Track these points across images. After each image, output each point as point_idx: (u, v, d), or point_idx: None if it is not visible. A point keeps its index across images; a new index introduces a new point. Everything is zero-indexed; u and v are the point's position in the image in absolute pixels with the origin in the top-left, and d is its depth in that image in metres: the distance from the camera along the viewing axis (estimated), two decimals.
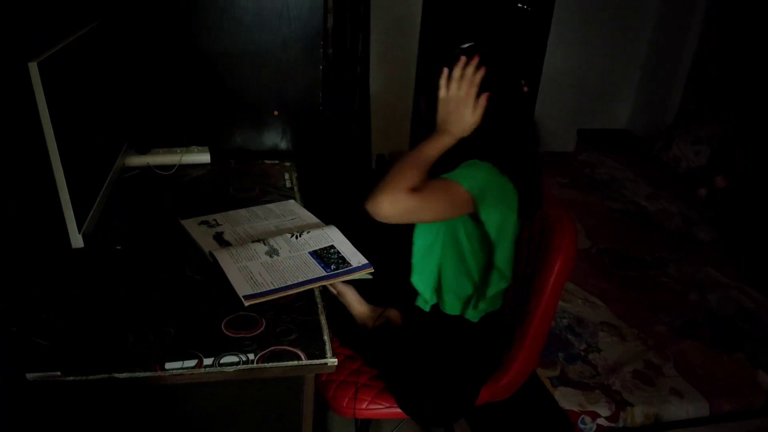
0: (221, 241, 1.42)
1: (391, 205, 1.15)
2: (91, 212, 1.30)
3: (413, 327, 1.51)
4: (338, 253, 1.39)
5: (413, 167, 1.21)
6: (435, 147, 1.27)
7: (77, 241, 1.17)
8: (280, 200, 1.67)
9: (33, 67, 1.02)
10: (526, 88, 1.34)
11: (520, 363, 1.52)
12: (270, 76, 1.90)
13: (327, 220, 1.56)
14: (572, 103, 4.02)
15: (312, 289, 1.27)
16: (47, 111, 1.06)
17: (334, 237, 1.44)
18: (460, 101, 1.26)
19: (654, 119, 3.94)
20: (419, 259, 1.41)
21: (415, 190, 1.17)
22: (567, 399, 1.66)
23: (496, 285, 1.38)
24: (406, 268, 1.60)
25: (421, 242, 1.39)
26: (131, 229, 1.45)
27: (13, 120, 1.19)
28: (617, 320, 2.02)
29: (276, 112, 1.93)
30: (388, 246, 1.70)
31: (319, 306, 1.22)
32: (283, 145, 1.99)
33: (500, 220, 1.29)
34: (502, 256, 1.35)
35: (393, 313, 1.57)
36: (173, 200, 1.64)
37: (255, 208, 1.59)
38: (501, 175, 1.28)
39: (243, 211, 1.57)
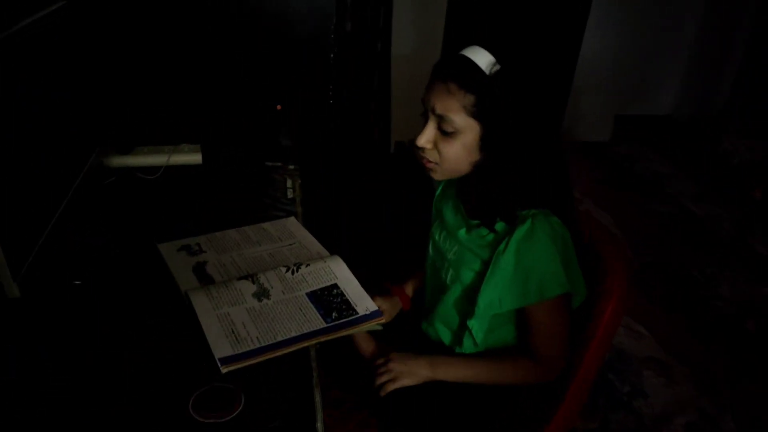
0: (202, 274, 1.18)
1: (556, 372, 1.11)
2: (39, 245, 1.06)
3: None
4: (342, 295, 1.14)
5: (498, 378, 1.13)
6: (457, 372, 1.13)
7: (12, 290, 0.95)
8: (279, 215, 1.42)
9: None
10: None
11: (555, 426, 1.28)
12: (273, 64, 1.63)
13: (331, 242, 1.32)
14: (610, 86, 3.66)
15: (308, 348, 1.03)
16: None
17: (338, 273, 1.19)
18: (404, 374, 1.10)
19: (702, 106, 3.59)
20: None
21: (538, 357, 1.08)
22: None
23: None
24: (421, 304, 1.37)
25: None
26: (98, 255, 1.21)
27: None
28: (665, 355, 1.77)
29: (279, 106, 1.67)
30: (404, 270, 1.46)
31: (314, 375, 0.98)
32: (286, 143, 1.73)
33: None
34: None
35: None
36: (154, 214, 1.40)
37: (247, 229, 1.34)
38: (561, 227, 1.04)
39: (233, 233, 1.32)
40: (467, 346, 1.16)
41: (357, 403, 1.35)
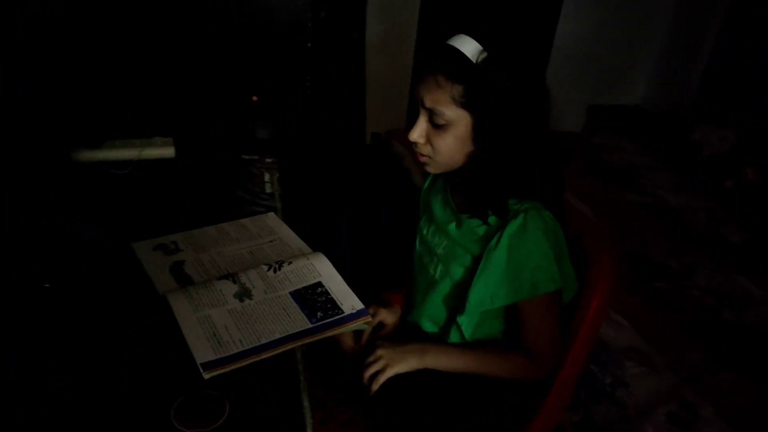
0: (180, 274, 1.13)
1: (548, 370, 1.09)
2: (7, 245, 1.00)
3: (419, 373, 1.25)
4: (326, 293, 1.11)
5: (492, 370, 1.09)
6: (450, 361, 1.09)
7: None
8: (258, 211, 1.37)
9: None
10: None
11: (541, 422, 1.26)
12: (248, 53, 1.57)
13: (312, 236, 1.28)
14: (583, 75, 3.67)
15: (293, 350, 0.99)
16: None
17: (322, 270, 1.15)
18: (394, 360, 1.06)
19: (672, 97, 3.63)
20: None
21: (531, 353, 1.05)
22: None
23: None
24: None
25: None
26: (67, 256, 1.15)
27: None
28: (645, 345, 1.78)
29: (255, 98, 1.62)
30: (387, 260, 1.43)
31: (302, 379, 0.94)
32: (263, 135, 1.68)
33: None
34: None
35: None
36: (127, 211, 1.34)
37: (226, 226, 1.29)
38: (553, 221, 1.02)
39: (211, 230, 1.27)
40: (454, 339, 1.14)
41: (340, 402, 1.32)
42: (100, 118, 1.57)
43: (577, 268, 1.17)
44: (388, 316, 1.22)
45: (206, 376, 0.91)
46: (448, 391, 1.17)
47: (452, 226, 1.09)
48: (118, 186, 1.44)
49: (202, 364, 0.92)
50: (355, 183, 2.54)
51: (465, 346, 1.11)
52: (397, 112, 3.29)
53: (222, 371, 0.92)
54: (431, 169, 1.06)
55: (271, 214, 1.35)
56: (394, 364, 1.05)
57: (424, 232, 1.18)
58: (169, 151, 1.55)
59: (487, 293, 1.02)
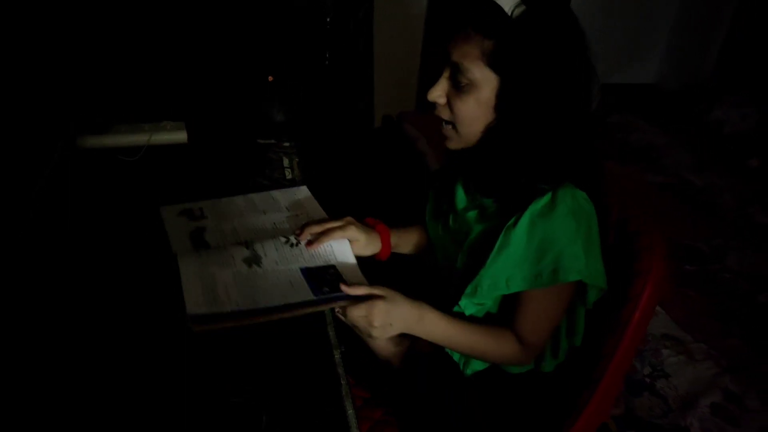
0: (199, 240, 1.05)
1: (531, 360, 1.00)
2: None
3: (451, 373, 1.16)
4: (339, 276, 0.99)
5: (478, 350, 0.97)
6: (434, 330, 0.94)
7: None
8: None
9: None
10: None
11: (586, 420, 1.18)
12: (263, 30, 1.47)
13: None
14: (595, 53, 3.55)
15: (332, 351, 0.90)
16: None
17: (339, 254, 1.04)
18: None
19: (688, 74, 3.52)
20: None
21: (523, 341, 0.95)
22: None
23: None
24: (439, 278, 1.25)
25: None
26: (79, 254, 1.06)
27: None
28: (681, 332, 1.70)
29: (270, 78, 1.52)
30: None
31: (343, 384, 0.86)
32: (279, 118, 1.58)
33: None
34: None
35: (425, 347, 1.23)
36: (139, 200, 1.25)
37: (255, 196, 1.22)
38: (587, 203, 0.92)
39: (239, 200, 1.20)
40: None
41: (373, 401, 1.24)
42: (105, 100, 1.47)
43: (623, 258, 1.08)
44: (359, 235, 1.05)
45: (196, 329, 0.82)
46: (487, 384, 1.10)
47: (473, 213, 1.01)
48: (127, 173, 1.34)
49: (191, 315, 0.83)
50: (374, 170, 2.44)
51: (460, 319, 0.97)
52: (407, 93, 3.18)
53: (212, 328, 0.83)
54: (452, 144, 0.97)
55: (304, 188, 1.25)
56: (375, 333, 0.89)
57: (450, 223, 1.09)
58: (180, 136, 1.45)
59: (502, 276, 0.91)
